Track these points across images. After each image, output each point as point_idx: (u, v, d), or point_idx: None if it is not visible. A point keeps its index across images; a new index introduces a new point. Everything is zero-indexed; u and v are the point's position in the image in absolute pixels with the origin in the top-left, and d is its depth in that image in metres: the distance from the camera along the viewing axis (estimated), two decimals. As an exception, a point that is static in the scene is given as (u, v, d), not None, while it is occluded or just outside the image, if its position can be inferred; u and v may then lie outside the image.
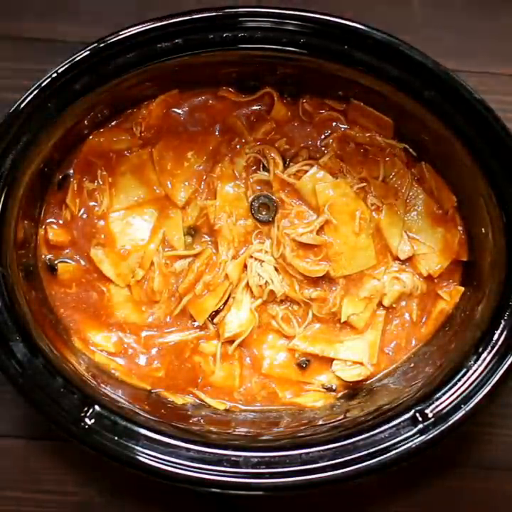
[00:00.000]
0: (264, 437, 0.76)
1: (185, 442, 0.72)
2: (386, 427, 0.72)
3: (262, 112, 0.83)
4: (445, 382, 0.73)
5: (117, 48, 0.74)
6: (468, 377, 0.73)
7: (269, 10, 0.76)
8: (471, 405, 0.72)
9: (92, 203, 0.82)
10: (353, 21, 0.76)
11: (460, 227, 0.82)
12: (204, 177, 0.83)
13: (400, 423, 0.73)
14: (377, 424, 0.73)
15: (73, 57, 0.74)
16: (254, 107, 0.83)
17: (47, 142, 0.76)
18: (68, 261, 0.82)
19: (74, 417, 0.72)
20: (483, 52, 0.88)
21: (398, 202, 0.82)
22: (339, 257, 0.81)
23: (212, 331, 0.83)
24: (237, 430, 0.77)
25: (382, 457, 0.72)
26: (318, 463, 0.72)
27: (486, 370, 0.73)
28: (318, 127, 0.84)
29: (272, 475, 0.72)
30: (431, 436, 0.72)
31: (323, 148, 0.84)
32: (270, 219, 0.82)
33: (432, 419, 0.72)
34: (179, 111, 0.83)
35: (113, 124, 0.82)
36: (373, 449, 0.72)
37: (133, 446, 0.72)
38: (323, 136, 0.84)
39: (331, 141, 0.83)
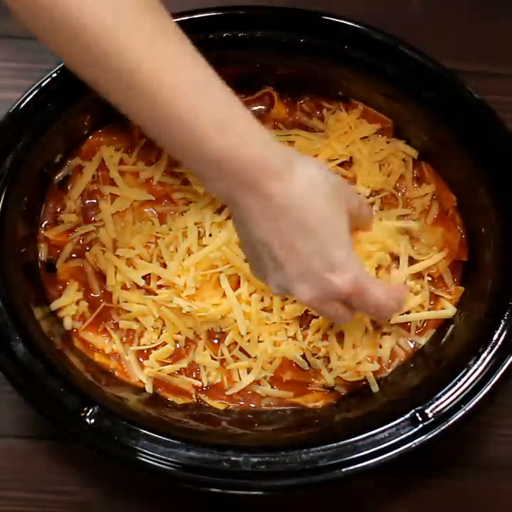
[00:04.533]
0: (264, 437, 0.76)
1: (185, 442, 0.72)
2: (386, 427, 0.72)
3: (262, 112, 0.83)
4: (445, 382, 0.73)
5: (117, 47, 0.74)
6: (468, 377, 0.73)
7: (269, 10, 0.76)
8: (471, 405, 0.72)
9: (92, 203, 0.82)
10: (353, 21, 0.76)
11: (460, 227, 0.82)
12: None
13: (400, 423, 0.72)
14: (377, 424, 0.73)
15: (73, 57, 0.74)
16: (254, 107, 0.83)
17: (47, 142, 0.76)
18: (68, 261, 0.82)
19: (74, 417, 0.72)
20: (483, 53, 0.88)
21: (398, 202, 0.82)
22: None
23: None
24: (237, 430, 0.77)
25: (382, 457, 0.71)
26: (318, 463, 0.71)
27: (486, 370, 0.73)
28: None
29: (272, 475, 0.72)
30: (431, 436, 0.72)
31: (323, 148, 0.84)
32: None
33: (432, 419, 0.72)
34: (179, 111, 0.83)
35: (113, 124, 0.82)
36: (373, 449, 0.72)
37: (133, 446, 0.72)
38: (323, 136, 0.84)
39: (330, 141, 0.83)
